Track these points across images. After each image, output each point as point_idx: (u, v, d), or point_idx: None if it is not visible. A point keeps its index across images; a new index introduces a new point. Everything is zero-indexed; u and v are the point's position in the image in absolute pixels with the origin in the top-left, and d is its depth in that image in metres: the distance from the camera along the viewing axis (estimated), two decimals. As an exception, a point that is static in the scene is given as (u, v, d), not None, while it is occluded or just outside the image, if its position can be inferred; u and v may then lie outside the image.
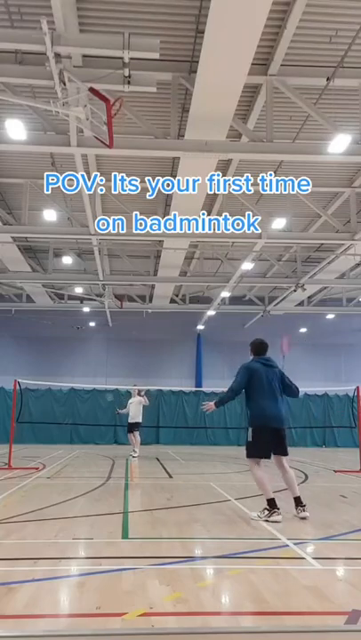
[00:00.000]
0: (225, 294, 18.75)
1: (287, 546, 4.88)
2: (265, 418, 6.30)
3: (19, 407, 13.43)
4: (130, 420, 15.55)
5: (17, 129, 8.56)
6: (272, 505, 6.10)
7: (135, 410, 15.55)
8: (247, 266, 15.53)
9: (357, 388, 12.94)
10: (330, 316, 23.25)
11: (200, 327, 23.02)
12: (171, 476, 10.75)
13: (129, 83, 7.24)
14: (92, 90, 6.92)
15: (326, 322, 23.59)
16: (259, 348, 6.85)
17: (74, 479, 10.11)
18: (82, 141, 8.96)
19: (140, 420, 15.63)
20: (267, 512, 6.09)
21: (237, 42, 6.83)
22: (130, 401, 15.93)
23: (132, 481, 9.97)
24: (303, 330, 23.94)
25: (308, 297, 20.86)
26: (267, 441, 6.27)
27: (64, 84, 6.96)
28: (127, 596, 3.46)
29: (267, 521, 5.95)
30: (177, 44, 8.39)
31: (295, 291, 17.91)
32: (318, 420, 23.04)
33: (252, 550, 4.70)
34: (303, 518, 6.19)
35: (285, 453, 6.40)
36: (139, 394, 16.03)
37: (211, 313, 20.97)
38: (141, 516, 6.48)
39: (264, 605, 3.33)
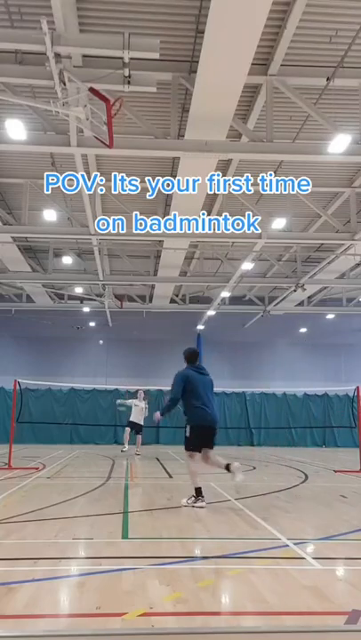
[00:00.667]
0: (225, 294, 18.75)
1: (287, 546, 4.88)
2: (202, 418, 7.14)
3: (19, 407, 13.44)
4: (134, 420, 15.84)
5: (17, 129, 8.56)
6: (198, 493, 6.98)
7: (138, 412, 15.84)
8: (247, 266, 15.54)
9: (357, 387, 12.94)
10: (330, 316, 23.26)
11: (200, 327, 23.02)
12: (171, 476, 10.75)
13: (129, 83, 7.24)
14: (92, 90, 6.92)
15: (326, 322, 23.60)
16: (192, 356, 7.61)
17: (74, 479, 10.11)
18: (82, 141, 8.96)
19: (142, 423, 15.89)
20: (193, 499, 6.96)
21: (237, 42, 6.83)
22: (135, 402, 16.06)
23: (132, 481, 9.96)
24: (303, 330, 23.96)
25: (308, 297, 20.86)
26: (201, 437, 7.16)
27: (64, 84, 6.96)
28: (127, 596, 3.46)
29: (193, 506, 6.83)
30: (177, 43, 8.39)
31: (295, 291, 17.91)
32: (318, 419, 23.06)
33: (252, 550, 4.70)
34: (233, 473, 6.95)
35: (212, 447, 7.31)
36: (144, 399, 16.29)
37: (211, 313, 20.97)
38: (141, 515, 6.48)
39: (264, 605, 3.33)
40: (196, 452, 7.19)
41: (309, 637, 2.92)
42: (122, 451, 15.55)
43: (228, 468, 7.03)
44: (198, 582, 3.79)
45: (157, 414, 7.68)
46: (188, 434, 7.17)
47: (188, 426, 7.19)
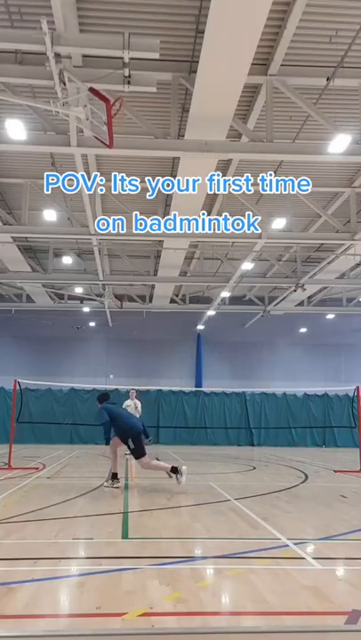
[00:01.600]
0: (225, 294, 18.75)
1: (287, 546, 4.88)
2: (136, 430, 8.86)
3: (19, 407, 13.43)
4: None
5: (17, 129, 8.55)
6: (174, 470, 8.69)
7: (130, 412, 15.71)
8: (247, 266, 15.53)
9: (357, 387, 12.94)
10: (330, 316, 23.26)
11: (200, 327, 23.03)
12: (171, 476, 10.73)
13: (129, 83, 7.24)
14: (92, 90, 6.92)
15: (326, 322, 23.60)
16: (104, 397, 9.40)
17: (74, 479, 10.11)
18: (82, 141, 8.96)
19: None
20: (173, 476, 8.70)
21: (237, 42, 6.83)
22: (127, 403, 15.96)
23: (131, 481, 9.97)
24: (303, 330, 23.96)
25: (308, 297, 20.86)
26: (142, 442, 8.84)
27: (64, 84, 6.96)
28: (127, 596, 3.46)
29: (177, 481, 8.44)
30: (177, 43, 8.39)
31: (295, 291, 17.91)
32: (318, 419, 23.06)
33: (252, 550, 4.70)
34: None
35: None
36: (136, 397, 16.20)
37: (211, 313, 20.97)
38: (141, 515, 6.48)
39: (264, 605, 3.33)
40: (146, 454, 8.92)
41: (309, 637, 2.92)
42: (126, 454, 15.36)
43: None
44: (198, 582, 3.79)
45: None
46: (132, 445, 8.76)
47: (129, 439, 8.77)
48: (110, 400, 9.53)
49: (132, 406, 15.85)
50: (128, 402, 16.10)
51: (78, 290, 20.10)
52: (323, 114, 9.09)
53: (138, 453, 8.76)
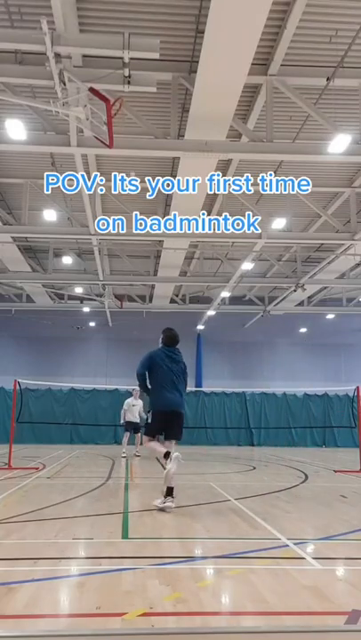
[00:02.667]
0: (225, 294, 18.76)
1: (287, 546, 4.87)
2: (162, 404, 6.90)
3: (19, 407, 13.43)
4: (133, 420, 15.68)
5: (17, 129, 8.56)
6: (166, 456, 6.65)
7: (135, 411, 15.75)
8: (247, 266, 15.54)
9: (357, 387, 12.94)
10: (330, 316, 23.27)
11: (200, 327, 23.02)
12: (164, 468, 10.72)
13: (129, 83, 7.24)
14: (92, 90, 6.92)
15: (326, 322, 23.60)
16: (168, 340, 7.40)
17: (74, 479, 10.11)
18: (82, 141, 8.96)
19: (139, 422, 15.78)
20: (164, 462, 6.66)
21: (237, 42, 6.84)
22: (133, 403, 15.93)
23: (132, 481, 9.96)
24: (303, 330, 23.96)
25: (308, 297, 20.87)
26: (161, 423, 6.95)
27: (64, 84, 6.96)
28: (127, 595, 3.46)
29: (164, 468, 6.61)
30: (177, 43, 8.40)
31: (295, 291, 17.92)
32: (318, 419, 23.07)
33: (252, 550, 4.69)
34: (163, 509, 6.43)
35: (176, 438, 7.03)
36: (140, 397, 16.15)
37: (211, 313, 20.97)
38: (141, 515, 6.48)
39: (264, 605, 3.32)
40: (153, 438, 7.04)
41: (309, 637, 2.92)
42: (123, 456, 15.36)
43: (169, 491, 6.68)
44: (198, 582, 3.78)
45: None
46: (149, 420, 7.13)
47: (149, 411, 7.15)
48: (172, 349, 7.36)
49: (138, 406, 15.81)
50: (132, 400, 16.05)
51: (78, 290, 20.10)
52: (323, 114, 9.10)
53: (147, 429, 7.20)
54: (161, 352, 7.21)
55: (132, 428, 15.80)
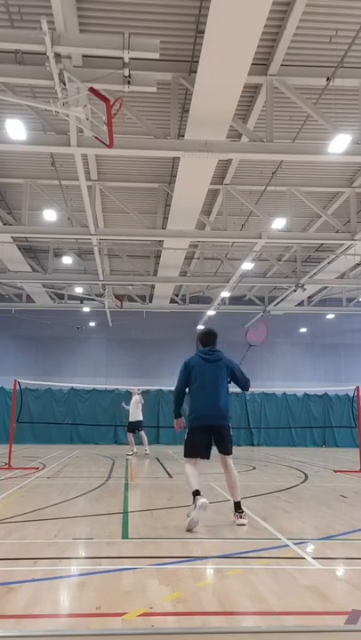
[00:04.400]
0: (225, 294, 18.76)
1: (287, 546, 4.88)
2: (198, 418, 5.99)
3: (19, 407, 13.43)
4: (132, 419, 15.72)
5: (17, 129, 8.56)
6: (195, 495, 5.61)
7: (134, 409, 15.72)
8: (247, 266, 15.53)
9: (357, 387, 12.94)
10: (330, 316, 23.27)
11: (200, 327, 23.01)
12: (171, 476, 10.75)
13: (129, 83, 7.24)
14: (92, 90, 6.91)
15: (326, 322, 23.60)
16: (203, 339, 6.40)
17: (74, 479, 10.11)
18: (82, 141, 8.96)
19: (141, 419, 15.77)
20: (193, 506, 5.56)
21: (237, 42, 6.83)
22: (135, 399, 15.98)
23: (132, 481, 9.96)
24: (303, 330, 23.96)
25: (308, 297, 20.88)
26: (198, 441, 6.00)
27: (64, 84, 6.96)
28: (127, 596, 3.46)
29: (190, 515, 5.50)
30: (177, 43, 8.40)
31: (295, 291, 17.92)
32: (318, 419, 23.06)
33: (252, 550, 4.69)
34: (241, 525, 5.72)
35: (226, 452, 6.06)
36: (138, 393, 16.16)
37: (211, 313, 20.97)
38: (141, 515, 6.48)
39: (264, 605, 3.32)
40: (195, 459, 6.04)
41: (309, 637, 2.92)
42: (127, 455, 15.35)
43: (236, 506, 5.91)
44: (198, 582, 3.78)
45: (177, 422, 6.29)
46: (185, 436, 6.14)
47: (185, 428, 6.15)
48: (208, 350, 6.25)
49: (134, 402, 15.79)
50: (134, 398, 16.06)
51: (78, 290, 20.10)
52: (323, 114, 9.10)
53: (184, 449, 6.12)
54: (196, 357, 6.25)
55: (135, 427, 15.79)
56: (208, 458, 6.09)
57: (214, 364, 6.17)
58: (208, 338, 6.35)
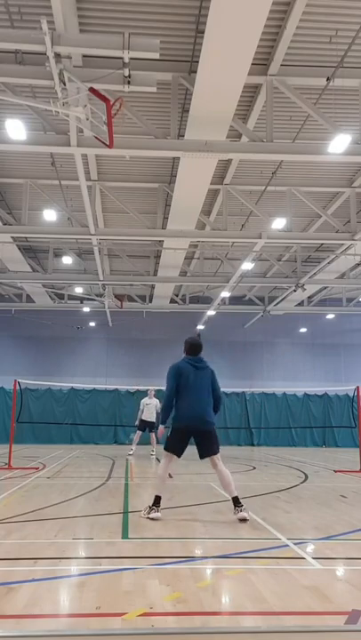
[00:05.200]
0: (225, 294, 18.76)
1: (287, 546, 4.88)
2: (185, 419, 6.18)
3: (19, 407, 13.44)
4: (147, 419, 15.62)
5: (17, 129, 8.55)
6: (156, 502, 6.14)
7: (149, 410, 15.69)
8: (247, 266, 15.53)
9: (357, 387, 12.94)
10: (330, 316, 23.28)
11: (200, 327, 23.02)
12: (171, 476, 10.74)
13: (129, 83, 7.24)
14: (92, 90, 6.91)
15: (326, 322, 23.61)
16: (192, 348, 6.61)
17: (74, 479, 10.11)
18: (82, 141, 8.96)
19: (154, 420, 15.73)
20: (148, 509, 6.14)
21: (237, 42, 6.83)
22: (147, 402, 15.89)
23: (132, 481, 9.96)
24: (303, 330, 23.97)
25: (308, 297, 20.88)
26: (181, 440, 6.22)
27: (64, 84, 6.96)
28: (127, 596, 3.46)
29: (147, 517, 6.03)
30: (177, 43, 8.40)
31: (295, 291, 17.92)
32: (318, 419, 23.06)
33: (252, 550, 4.70)
34: (242, 520, 5.89)
35: (213, 452, 6.21)
36: (155, 396, 16.11)
37: (211, 313, 20.97)
38: (141, 516, 6.47)
39: (264, 605, 3.33)
40: (174, 456, 6.26)
41: (309, 637, 2.92)
42: (129, 454, 15.36)
43: (235, 501, 6.08)
44: (198, 582, 3.79)
45: (161, 429, 6.77)
46: (169, 433, 6.36)
47: (167, 427, 6.42)
48: (197, 358, 6.54)
49: (152, 404, 15.76)
50: (147, 400, 16.01)
51: (78, 290, 20.10)
52: (323, 114, 9.10)
53: (165, 443, 6.37)
54: (185, 363, 6.44)
55: (146, 426, 15.75)
56: (179, 456, 6.35)
57: (203, 372, 6.49)
58: (197, 349, 6.66)
